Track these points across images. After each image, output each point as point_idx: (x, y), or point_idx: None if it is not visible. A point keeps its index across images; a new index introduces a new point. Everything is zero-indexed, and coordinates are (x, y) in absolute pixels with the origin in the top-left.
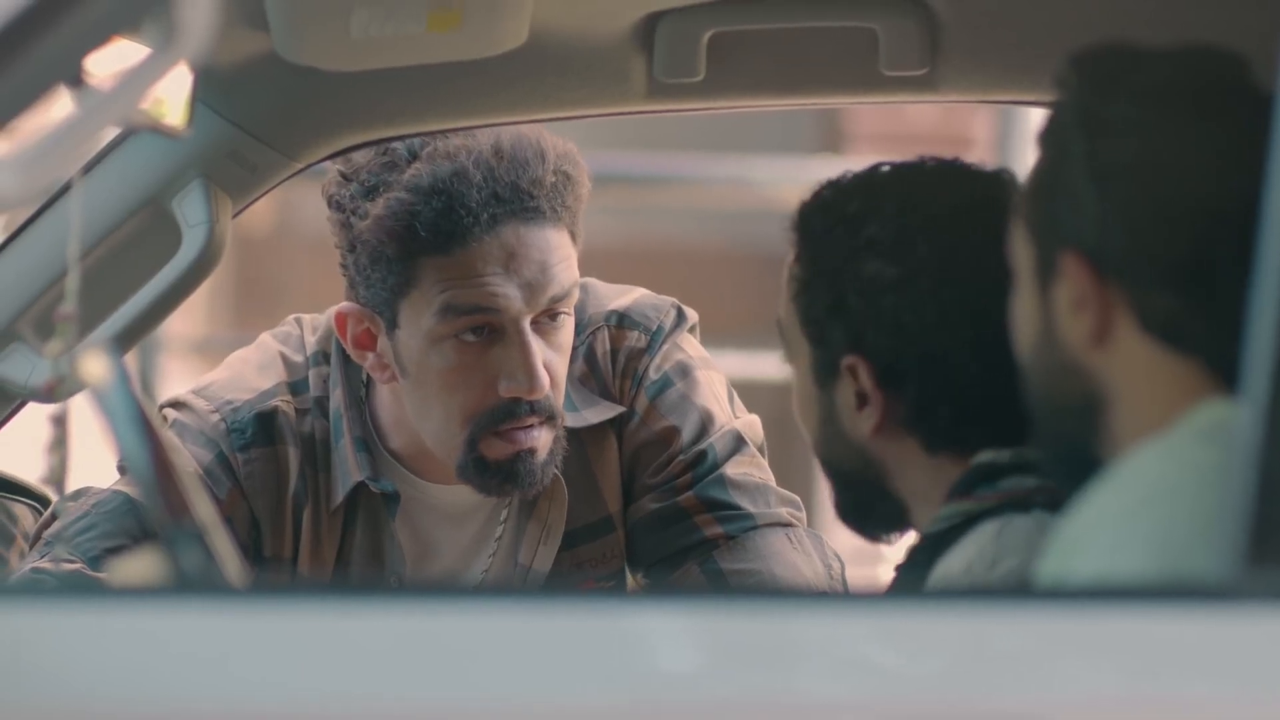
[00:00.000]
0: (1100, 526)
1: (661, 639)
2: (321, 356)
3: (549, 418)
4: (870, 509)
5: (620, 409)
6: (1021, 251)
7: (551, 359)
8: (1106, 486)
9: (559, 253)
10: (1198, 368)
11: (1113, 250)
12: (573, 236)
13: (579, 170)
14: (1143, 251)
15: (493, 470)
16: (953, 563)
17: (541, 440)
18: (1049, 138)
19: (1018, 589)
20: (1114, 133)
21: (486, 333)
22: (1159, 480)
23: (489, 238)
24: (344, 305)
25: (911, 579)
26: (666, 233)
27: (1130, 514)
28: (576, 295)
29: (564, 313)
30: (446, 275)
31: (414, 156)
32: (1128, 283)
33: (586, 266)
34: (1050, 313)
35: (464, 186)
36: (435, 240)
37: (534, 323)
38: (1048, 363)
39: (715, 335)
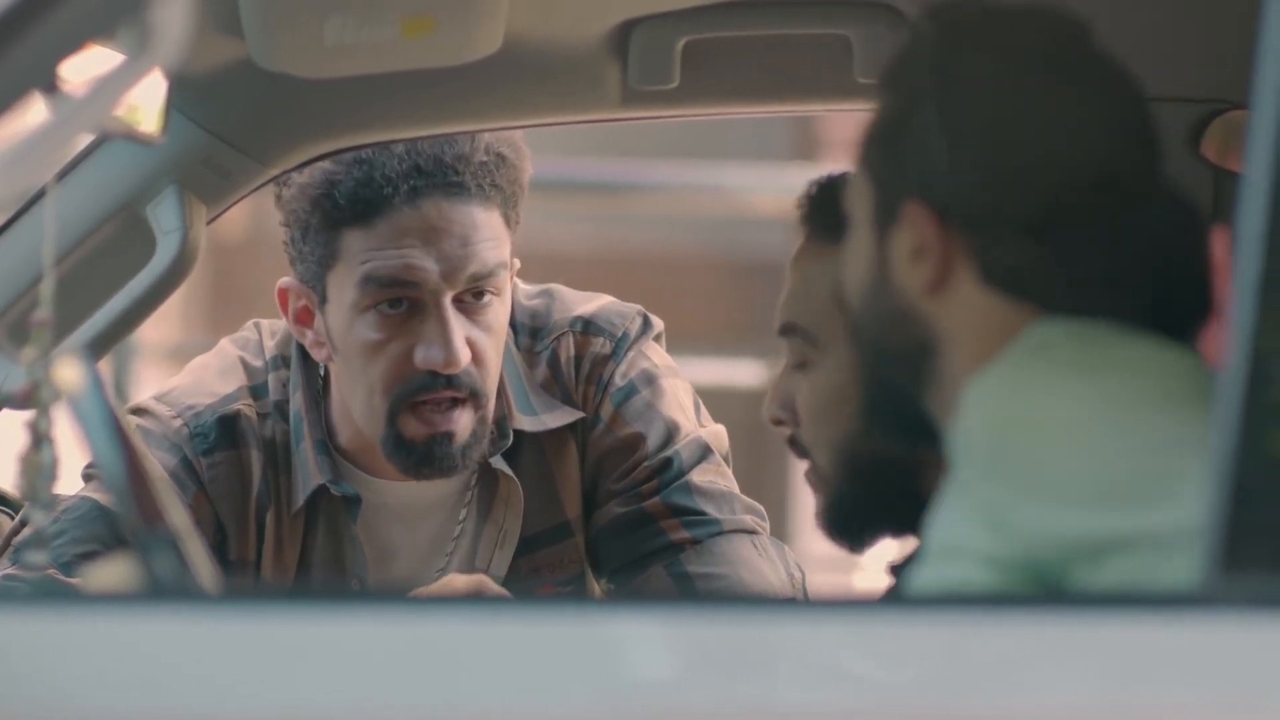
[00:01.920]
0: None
1: (638, 645)
2: (281, 360)
3: (471, 395)
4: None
5: (580, 414)
6: (860, 195)
7: (477, 338)
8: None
9: (484, 231)
10: (1033, 312)
11: (958, 202)
12: (506, 220)
13: (517, 154)
14: (988, 205)
15: (409, 449)
16: None
17: (461, 423)
18: (896, 86)
19: (995, 595)
20: (967, 86)
21: (406, 306)
22: (1000, 410)
23: (409, 209)
24: (284, 280)
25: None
26: (641, 240)
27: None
28: (505, 276)
29: (490, 292)
30: (367, 246)
31: None
32: (971, 234)
33: (561, 273)
34: (886, 258)
35: (385, 157)
36: (355, 209)
37: (458, 301)
38: (880, 308)
39: (690, 342)
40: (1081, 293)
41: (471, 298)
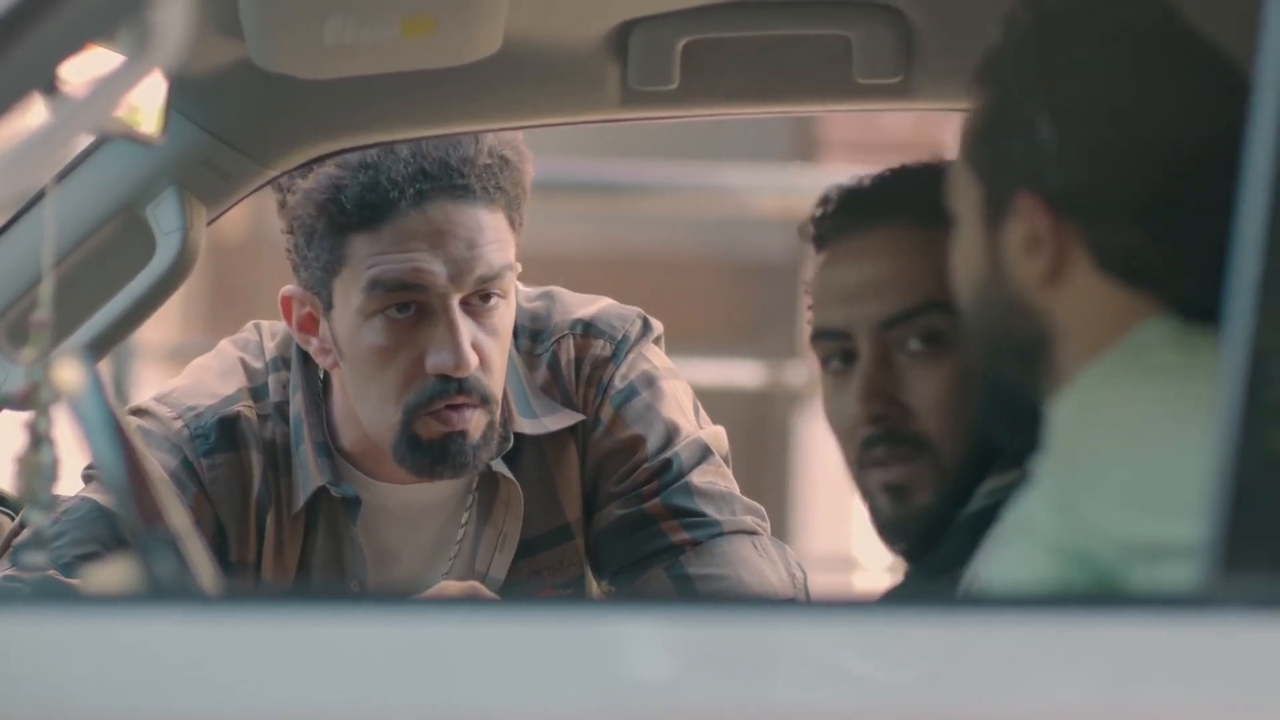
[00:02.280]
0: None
1: (638, 646)
2: (281, 362)
3: (482, 400)
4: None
5: (580, 417)
6: (966, 190)
7: (483, 340)
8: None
9: (490, 234)
10: (1152, 300)
11: (1069, 190)
12: (511, 222)
13: (520, 157)
14: (1100, 191)
15: (424, 449)
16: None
17: (474, 422)
18: (996, 78)
19: (995, 595)
20: (1070, 71)
21: (414, 310)
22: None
23: (415, 213)
24: (287, 288)
25: (947, 562)
26: (641, 240)
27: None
28: (510, 279)
29: (496, 294)
30: (373, 250)
31: None
32: (1084, 222)
33: (560, 274)
34: (998, 253)
35: (390, 161)
36: (361, 214)
37: (465, 303)
38: (994, 302)
39: (690, 342)
40: (1197, 278)
41: (478, 300)
